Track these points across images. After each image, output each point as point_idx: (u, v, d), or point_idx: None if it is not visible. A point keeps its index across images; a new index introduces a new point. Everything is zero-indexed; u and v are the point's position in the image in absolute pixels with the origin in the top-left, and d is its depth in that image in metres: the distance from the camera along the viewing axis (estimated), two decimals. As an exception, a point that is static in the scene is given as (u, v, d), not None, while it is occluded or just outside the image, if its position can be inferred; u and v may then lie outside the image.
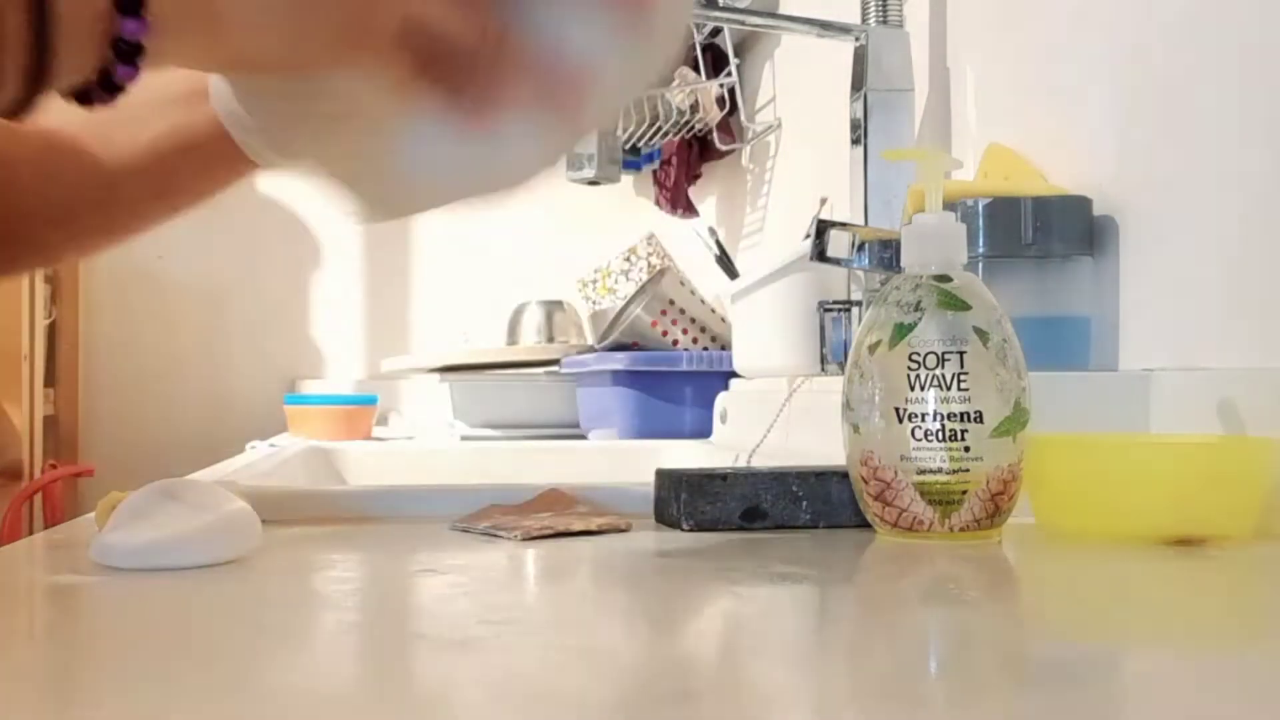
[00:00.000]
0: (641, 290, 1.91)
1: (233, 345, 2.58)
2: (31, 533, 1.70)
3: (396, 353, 2.46)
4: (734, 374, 1.52)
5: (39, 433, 2.38)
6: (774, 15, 1.68)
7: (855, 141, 1.16)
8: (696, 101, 1.98)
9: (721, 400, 1.52)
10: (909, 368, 0.65)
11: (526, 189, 0.47)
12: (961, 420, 0.65)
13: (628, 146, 2.14)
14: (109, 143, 0.63)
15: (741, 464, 1.14)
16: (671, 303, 1.78)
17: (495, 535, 0.67)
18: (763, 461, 1.05)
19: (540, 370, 1.97)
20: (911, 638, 0.45)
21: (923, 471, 0.65)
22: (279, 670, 0.40)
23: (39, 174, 0.64)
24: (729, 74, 1.96)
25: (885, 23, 1.17)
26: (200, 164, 0.62)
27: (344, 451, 1.58)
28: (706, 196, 2.29)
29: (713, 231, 1.87)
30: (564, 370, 1.87)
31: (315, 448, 1.53)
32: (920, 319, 0.66)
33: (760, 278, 1.34)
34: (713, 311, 1.82)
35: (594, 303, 2.39)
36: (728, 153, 2.09)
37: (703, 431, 1.60)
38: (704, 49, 2.03)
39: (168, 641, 0.44)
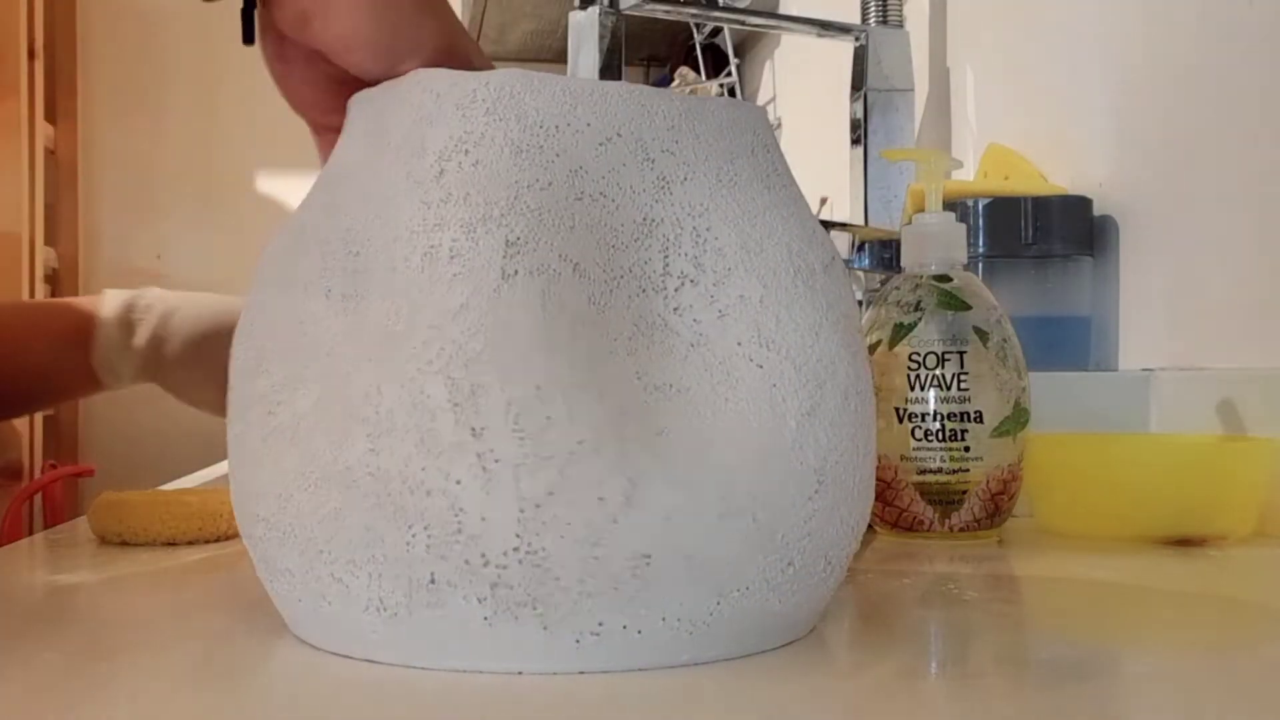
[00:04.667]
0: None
1: (233, 345, 2.58)
2: (31, 533, 1.70)
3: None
4: (734, 374, 1.52)
5: (39, 433, 2.38)
6: (774, 15, 1.68)
7: (855, 141, 1.16)
8: (696, 101, 1.98)
9: (721, 400, 1.52)
10: (909, 368, 0.65)
11: None
12: (961, 420, 0.65)
13: (628, 146, 2.13)
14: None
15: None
16: (671, 303, 1.78)
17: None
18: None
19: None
20: (911, 638, 0.45)
21: (923, 471, 0.65)
22: (279, 670, 0.40)
23: None
24: (729, 74, 1.96)
25: (885, 23, 1.17)
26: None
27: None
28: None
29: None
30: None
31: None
32: (920, 319, 0.66)
33: (760, 278, 1.33)
34: (713, 311, 1.82)
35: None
36: (728, 153, 2.09)
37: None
38: (704, 49, 2.03)
39: (167, 641, 0.44)
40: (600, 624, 0.38)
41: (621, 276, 0.41)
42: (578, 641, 0.38)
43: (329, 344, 0.41)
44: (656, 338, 0.41)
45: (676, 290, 0.41)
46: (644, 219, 0.41)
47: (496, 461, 0.37)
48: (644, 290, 0.41)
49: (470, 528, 0.37)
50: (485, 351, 0.38)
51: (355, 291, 0.41)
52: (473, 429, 0.37)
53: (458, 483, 0.37)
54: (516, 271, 0.39)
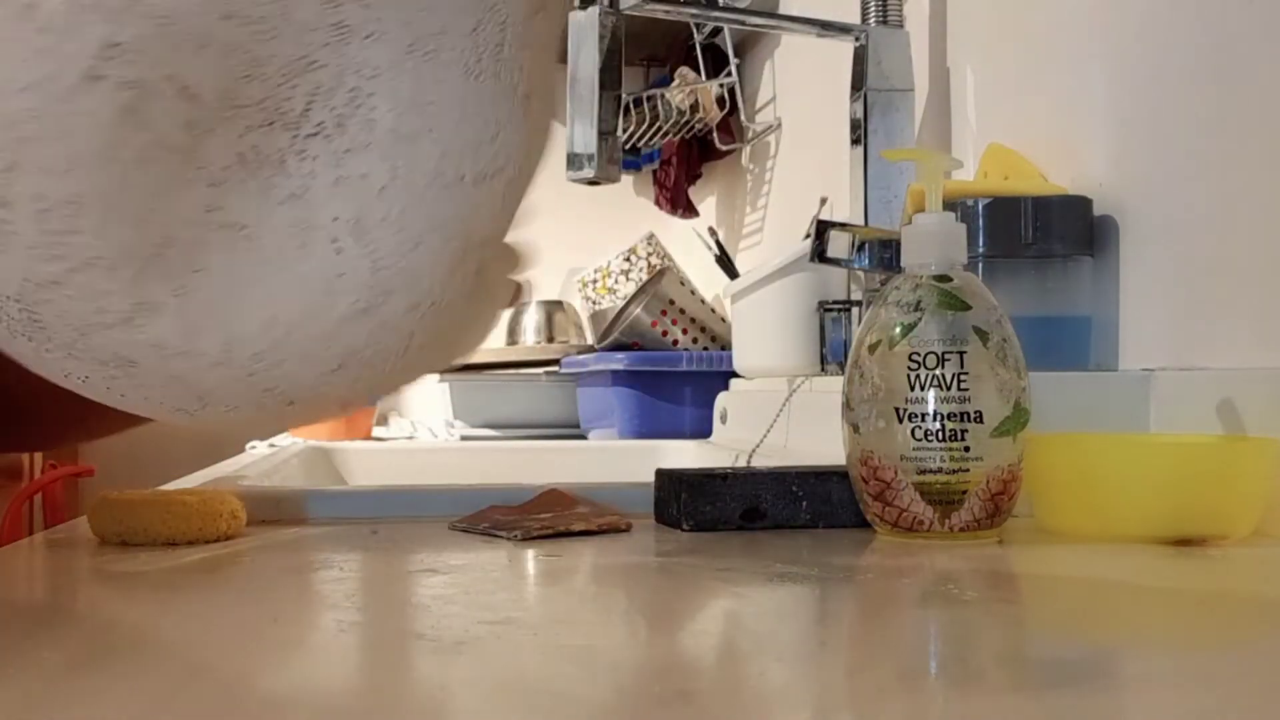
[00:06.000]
0: (641, 290, 1.92)
1: (233, 345, 2.57)
2: (31, 533, 1.69)
3: (396, 353, 2.45)
4: (734, 374, 1.52)
5: (39, 433, 2.37)
6: (774, 15, 1.68)
7: (855, 141, 1.16)
8: (696, 101, 1.98)
9: (721, 400, 1.52)
10: (909, 368, 0.65)
11: None
12: (961, 420, 0.65)
13: (628, 146, 2.14)
14: None
15: (741, 464, 1.14)
16: (671, 303, 1.78)
17: (495, 535, 0.67)
18: (763, 461, 1.05)
19: (540, 370, 1.97)
20: (911, 638, 0.45)
21: (923, 471, 0.65)
22: (279, 671, 0.40)
23: None
24: (729, 74, 1.96)
25: (885, 23, 1.17)
26: None
27: (344, 451, 1.58)
28: (706, 196, 2.29)
29: (713, 231, 1.87)
30: (564, 370, 1.87)
31: (315, 448, 1.53)
32: (920, 319, 0.66)
33: (760, 278, 1.34)
34: (713, 311, 1.82)
35: (594, 303, 2.39)
36: (728, 153, 2.09)
37: (703, 431, 1.60)
38: (704, 49, 2.03)
39: (167, 642, 0.44)
40: (81, 379, 0.40)
41: (247, 107, 0.38)
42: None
43: None
44: (261, 175, 0.39)
45: (308, 137, 0.39)
46: (304, 59, 0.38)
47: (14, 234, 0.37)
48: (272, 124, 0.38)
49: None
50: (36, 140, 0.36)
51: None
52: (1, 199, 0.36)
53: None
54: (105, 77, 0.36)
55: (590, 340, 2.27)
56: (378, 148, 0.40)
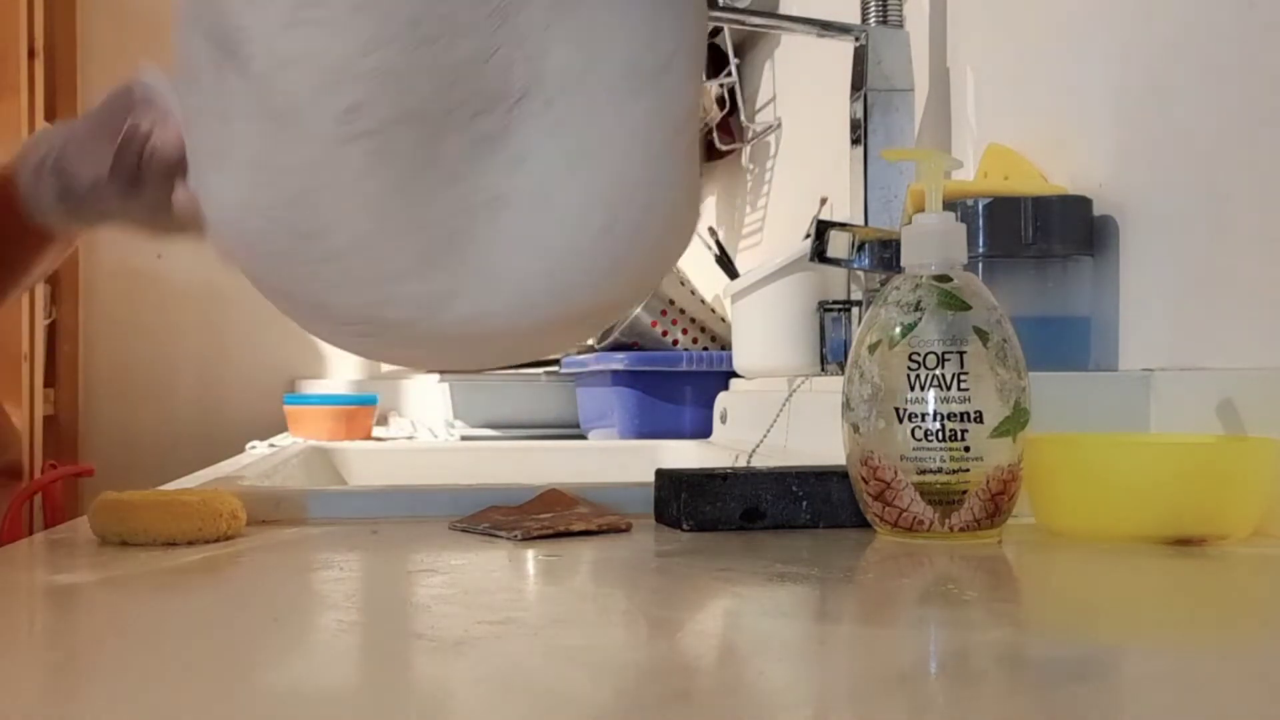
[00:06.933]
0: (641, 290, 1.91)
1: (232, 345, 2.58)
2: (31, 533, 1.69)
3: (396, 353, 2.45)
4: (734, 374, 1.52)
5: (39, 433, 2.38)
6: (774, 15, 1.68)
7: (855, 141, 1.16)
8: (696, 101, 1.98)
9: (721, 400, 1.52)
10: (909, 368, 0.65)
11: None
12: (961, 420, 0.65)
13: (628, 146, 2.13)
14: None
15: (741, 464, 1.14)
16: (671, 303, 1.78)
17: (495, 535, 0.67)
18: (763, 461, 1.05)
19: (540, 370, 1.97)
20: (911, 638, 0.45)
21: (923, 471, 0.65)
22: (279, 670, 0.40)
23: None
24: (729, 74, 1.96)
25: (885, 23, 1.17)
26: None
27: (344, 451, 1.58)
28: (706, 196, 2.29)
29: (713, 231, 1.86)
30: (564, 370, 1.87)
31: (315, 448, 1.53)
32: (920, 319, 0.66)
33: (760, 278, 1.34)
34: (713, 311, 1.82)
35: (594, 303, 2.39)
36: (728, 153, 2.09)
37: (703, 431, 1.60)
38: (704, 49, 2.02)
39: (167, 641, 0.44)
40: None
41: (457, 107, 0.45)
42: None
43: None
44: (496, 150, 0.46)
45: (516, 104, 0.45)
46: (484, 48, 0.45)
47: (348, 275, 0.47)
48: (489, 108, 0.45)
49: None
50: (318, 193, 0.45)
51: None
52: (328, 252, 0.47)
53: None
54: (353, 136, 0.45)
55: (590, 340, 2.27)
56: (572, 87, 0.46)
